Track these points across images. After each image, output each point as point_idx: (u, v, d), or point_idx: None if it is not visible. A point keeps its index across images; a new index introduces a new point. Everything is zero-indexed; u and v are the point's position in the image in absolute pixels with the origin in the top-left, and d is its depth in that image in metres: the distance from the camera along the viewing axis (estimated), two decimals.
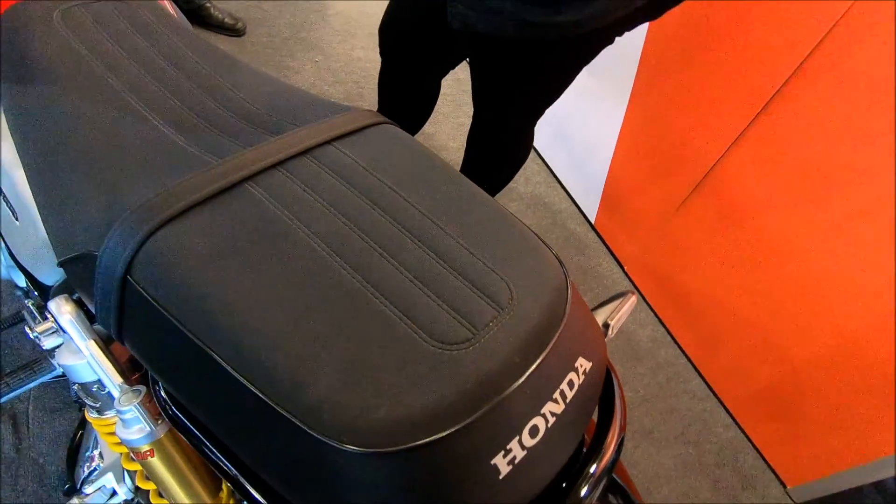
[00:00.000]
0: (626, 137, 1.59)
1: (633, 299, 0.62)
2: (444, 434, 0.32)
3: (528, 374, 0.35)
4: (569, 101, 1.75)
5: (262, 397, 0.32)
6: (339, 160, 0.46)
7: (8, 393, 0.75)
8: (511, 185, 1.77)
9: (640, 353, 1.52)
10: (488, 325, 0.37)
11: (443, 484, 0.33)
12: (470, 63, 1.11)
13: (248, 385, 0.33)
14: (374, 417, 0.32)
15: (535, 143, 1.93)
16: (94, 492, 0.63)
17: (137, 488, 0.63)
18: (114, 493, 0.65)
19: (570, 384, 0.38)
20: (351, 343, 0.34)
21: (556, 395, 0.37)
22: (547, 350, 0.37)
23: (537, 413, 0.36)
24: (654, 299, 1.62)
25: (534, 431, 0.36)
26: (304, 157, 0.46)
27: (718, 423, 1.45)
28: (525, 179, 1.83)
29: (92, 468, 0.69)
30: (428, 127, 1.84)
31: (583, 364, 0.40)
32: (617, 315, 0.58)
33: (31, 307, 0.75)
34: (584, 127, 1.73)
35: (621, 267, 1.68)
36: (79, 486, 0.68)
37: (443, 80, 1.32)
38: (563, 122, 1.80)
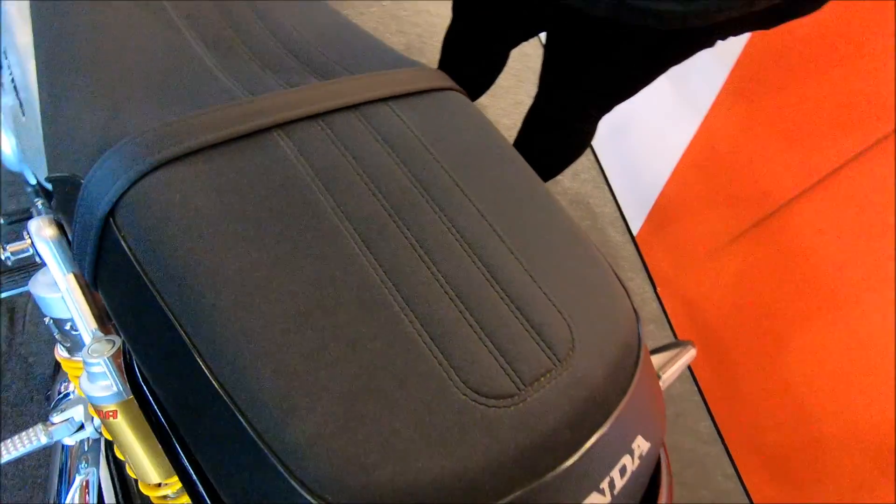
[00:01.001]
0: (692, 153, 1.46)
1: (692, 353, 0.53)
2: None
3: (578, 455, 0.28)
4: (639, 101, 1.63)
5: (237, 415, 0.25)
6: (392, 125, 0.38)
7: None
8: (558, 176, 1.68)
9: None
10: (539, 380, 0.29)
11: None
12: (548, 37, 1.00)
13: (223, 395, 0.26)
14: (371, 478, 0.24)
15: None
16: (62, 422, 0.59)
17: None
18: (81, 427, 0.60)
19: (623, 470, 0.31)
20: (362, 369, 0.27)
21: (605, 483, 0.29)
22: (607, 426, 0.29)
23: (598, 491, 0.29)
24: (682, 329, 1.53)
25: None
26: (352, 112, 0.38)
27: (719, 471, 1.38)
28: (573, 174, 1.72)
29: (65, 393, 0.65)
30: (484, 98, 1.74)
31: (640, 446, 0.32)
32: (671, 368, 0.50)
33: (41, 207, 0.70)
34: (649, 132, 1.61)
35: (654, 287, 1.58)
36: (51, 407, 0.64)
37: (510, 57, 1.21)
38: (627, 122, 1.67)
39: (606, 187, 1.75)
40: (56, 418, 0.59)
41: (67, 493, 0.60)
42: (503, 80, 1.77)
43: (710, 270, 1.43)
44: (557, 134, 1.14)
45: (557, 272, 0.34)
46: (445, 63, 1.26)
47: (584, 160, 1.78)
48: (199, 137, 0.32)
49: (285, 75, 0.41)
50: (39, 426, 0.60)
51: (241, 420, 0.25)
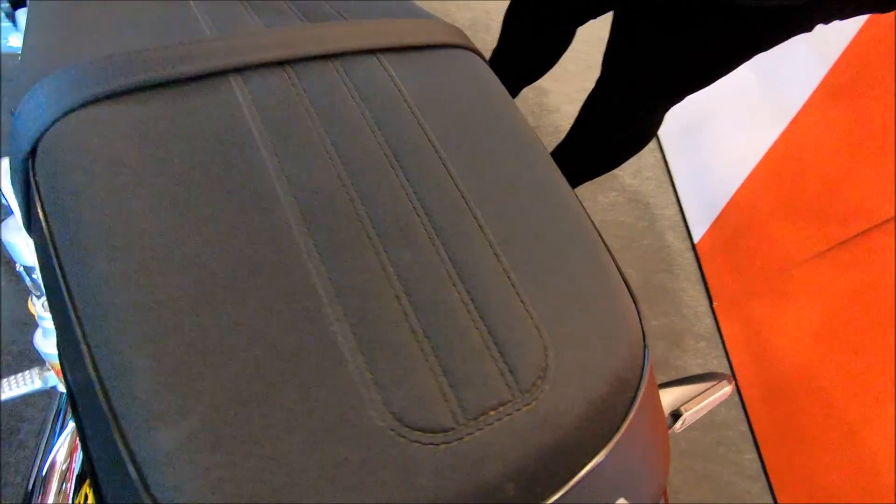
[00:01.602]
0: (773, 159, 1.31)
1: (726, 390, 0.45)
2: None
3: None
4: (718, 94, 1.48)
5: (105, 409, 0.21)
6: (377, 80, 0.33)
7: None
8: (617, 171, 1.56)
9: None
10: (488, 413, 0.23)
11: None
12: (615, 14, 0.90)
13: (97, 383, 0.22)
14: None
15: (661, 133, 1.68)
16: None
17: None
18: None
19: None
20: (259, 372, 0.21)
21: None
22: (569, 485, 0.23)
23: None
24: (736, 352, 1.39)
25: None
26: (331, 62, 0.32)
27: None
28: (635, 170, 1.60)
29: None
30: (548, 82, 1.64)
31: None
32: (697, 406, 0.42)
33: None
34: (725, 131, 1.46)
35: (710, 301, 1.45)
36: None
37: (581, 40, 1.12)
38: (701, 118, 1.53)
39: (670, 188, 1.61)
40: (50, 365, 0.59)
41: (58, 439, 0.60)
42: (571, 64, 1.65)
43: (778, 290, 1.28)
44: (617, 123, 1.04)
45: (546, 277, 0.27)
46: (505, 38, 1.18)
47: (650, 157, 1.65)
48: (138, 75, 0.28)
49: (267, 14, 0.36)
50: (35, 370, 0.60)
51: (109, 415, 0.21)
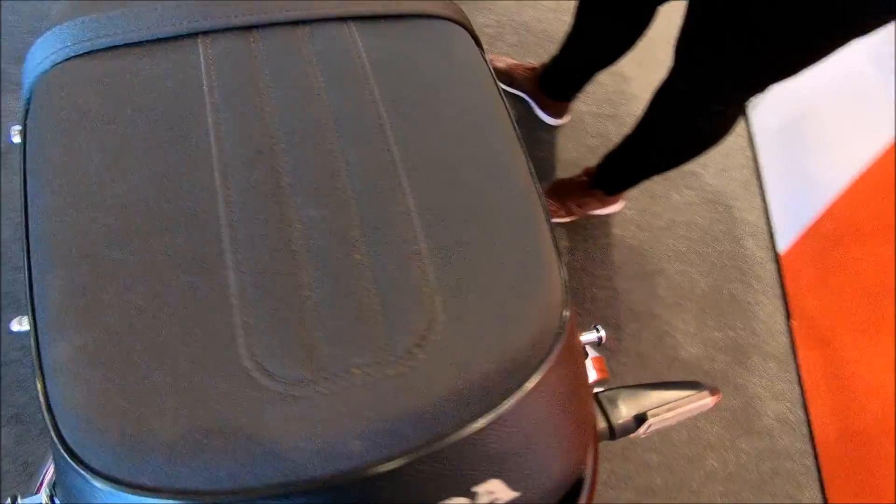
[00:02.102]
0: (881, 168, 1.15)
1: (707, 402, 0.41)
2: (170, 498, 0.21)
3: (350, 477, 0.22)
4: (826, 88, 1.31)
5: (30, 318, 0.24)
6: (342, 47, 0.33)
7: None
8: (698, 167, 1.45)
9: (754, 427, 1.21)
10: (350, 372, 0.23)
11: None
12: None
13: (28, 295, 0.25)
14: (106, 423, 0.22)
15: (755, 129, 1.53)
16: None
17: None
18: None
19: None
20: (150, 305, 0.23)
21: None
22: (422, 452, 0.23)
23: None
24: (812, 380, 1.25)
25: None
26: (299, 27, 0.33)
27: None
28: (719, 168, 1.47)
29: None
30: (631, 68, 1.55)
31: (494, 492, 0.25)
32: (668, 412, 0.39)
33: None
34: (830, 131, 1.30)
35: (787, 319, 1.32)
36: None
37: (675, 24, 1.04)
38: (805, 113, 1.37)
39: (758, 191, 1.47)
40: None
41: None
42: (659, 50, 1.55)
43: (870, 319, 1.13)
44: (687, 116, 0.96)
45: (461, 249, 0.27)
46: (579, 19, 1.13)
47: (739, 156, 1.51)
48: (111, 36, 0.31)
49: None
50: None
51: (31, 325, 0.24)
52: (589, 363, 0.53)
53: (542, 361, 0.26)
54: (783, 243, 1.37)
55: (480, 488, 0.25)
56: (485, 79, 0.36)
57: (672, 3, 0.96)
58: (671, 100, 0.98)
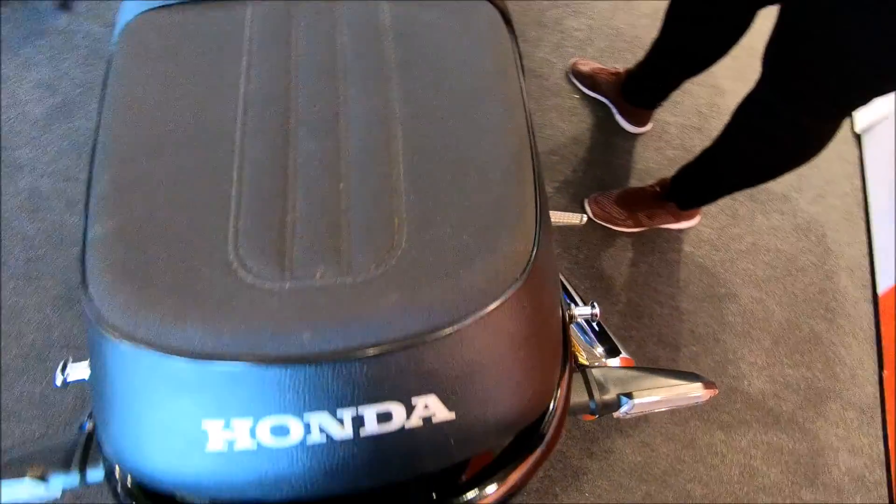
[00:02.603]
0: None
1: (701, 394, 0.40)
2: (157, 350, 0.26)
3: (298, 362, 0.26)
4: None
5: (84, 206, 0.31)
6: (370, 17, 0.38)
7: None
8: (792, 191, 1.34)
9: (820, 479, 1.10)
10: (313, 276, 0.28)
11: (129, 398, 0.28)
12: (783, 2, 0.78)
13: (85, 191, 0.31)
14: (118, 290, 0.27)
15: (867, 156, 1.38)
16: None
17: None
18: None
19: (385, 416, 0.27)
20: (168, 203, 0.30)
21: (346, 413, 0.27)
22: (365, 353, 0.26)
23: (294, 414, 0.26)
24: None
25: (279, 431, 0.27)
26: (337, 2, 0.38)
27: None
28: (816, 195, 1.35)
29: None
30: (725, 80, 1.46)
31: (431, 407, 0.28)
32: (654, 396, 0.39)
33: None
34: None
35: (879, 367, 1.18)
36: None
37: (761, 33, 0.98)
38: None
39: (863, 223, 1.33)
40: None
41: None
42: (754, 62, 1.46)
43: None
44: (773, 128, 0.90)
45: (437, 191, 0.31)
46: (669, 22, 1.09)
47: (845, 183, 1.37)
48: None
49: None
50: None
51: (84, 213, 0.31)
52: (616, 362, 0.53)
53: (492, 301, 0.27)
54: (885, 284, 1.23)
55: (417, 400, 0.27)
56: (503, 54, 0.38)
57: (774, 10, 0.90)
58: (756, 110, 0.92)
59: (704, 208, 1.28)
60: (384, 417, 0.27)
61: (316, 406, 0.26)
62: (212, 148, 0.32)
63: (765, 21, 0.98)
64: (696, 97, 1.44)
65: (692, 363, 1.13)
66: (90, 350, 0.30)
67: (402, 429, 0.28)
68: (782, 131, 0.89)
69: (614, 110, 1.36)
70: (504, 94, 0.35)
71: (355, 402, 0.27)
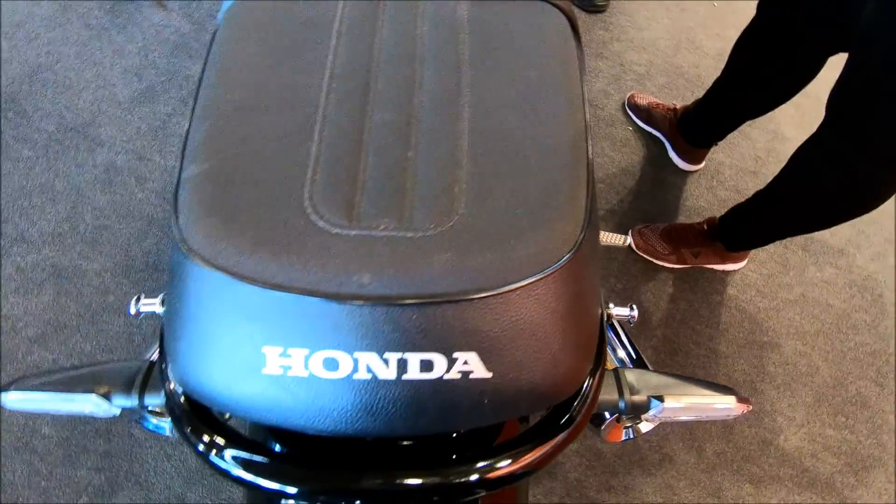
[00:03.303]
0: None
1: (734, 407, 0.40)
2: (232, 276, 0.29)
3: (355, 300, 0.28)
4: None
5: (181, 152, 0.35)
6: (447, 13, 0.42)
7: None
8: (850, 246, 1.29)
9: None
10: (377, 227, 0.31)
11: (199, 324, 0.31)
12: (853, 46, 0.77)
13: (184, 135, 0.36)
14: (201, 221, 0.31)
15: None
16: None
17: None
18: None
19: (427, 365, 0.29)
20: (256, 153, 0.33)
21: (392, 357, 0.29)
22: (414, 300, 0.29)
23: (345, 350, 0.29)
24: None
25: (330, 364, 0.29)
26: (421, 2, 0.41)
27: None
28: (875, 252, 1.29)
29: None
30: (788, 127, 1.44)
31: (470, 363, 0.30)
32: (688, 403, 0.39)
33: None
34: None
35: None
36: None
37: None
38: None
39: None
40: None
41: None
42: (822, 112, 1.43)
43: None
44: (833, 173, 0.88)
45: (496, 169, 0.34)
46: (733, 62, 1.09)
47: None
48: None
49: None
50: None
51: (180, 158, 0.35)
52: None
53: (538, 272, 0.30)
54: None
55: (458, 354, 0.29)
56: (569, 57, 0.40)
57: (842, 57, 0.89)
58: (817, 154, 0.90)
59: (753, 253, 1.24)
60: (426, 366, 0.29)
61: (366, 346, 0.29)
62: (297, 110, 0.35)
63: (828, 70, 0.96)
64: (754, 141, 1.42)
65: None
66: (172, 275, 0.33)
67: (441, 379, 0.29)
68: (843, 178, 0.87)
69: (668, 146, 1.36)
70: (566, 92, 0.38)
71: (401, 347, 0.29)
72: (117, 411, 0.40)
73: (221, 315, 0.30)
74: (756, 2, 1.00)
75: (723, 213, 1.15)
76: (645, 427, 0.53)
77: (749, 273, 1.24)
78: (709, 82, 1.20)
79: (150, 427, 0.50)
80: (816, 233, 1.28)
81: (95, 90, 1.32)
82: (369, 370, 0.29)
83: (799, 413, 1.11)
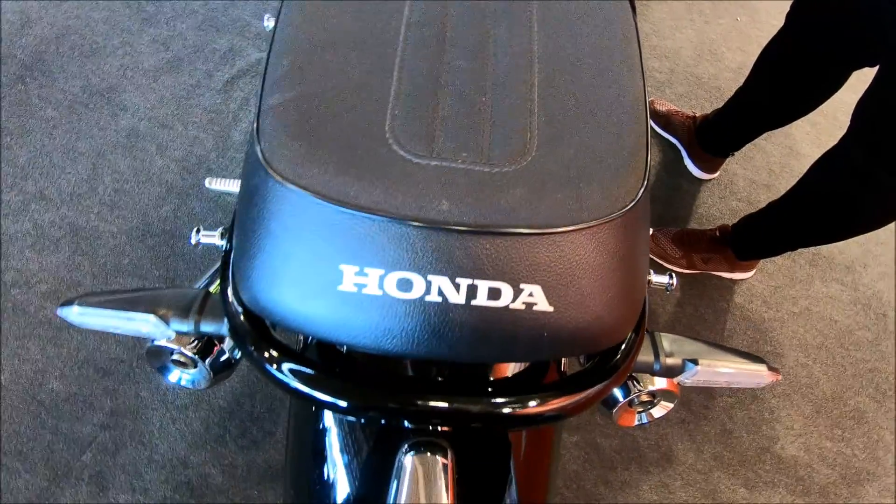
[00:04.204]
0: None
1: (765, 376, 0.42)
2: (316, 196, 0.31)
3: (433, 225, 0.30)
4: None
5: (261, 83, 0.37)
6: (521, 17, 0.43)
7: None
8: (857, 264, 1.31)
9: None
10: (456, 157, 0.32)
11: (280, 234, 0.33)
12: (883, 58, 0.79)
13: (263, 73, 0.37)
14: (291, 145, 0.32)
15: None
16: None
17: None
18: None
19: (495, 294, 0.31)
20: (336, 88, 0.34)
21: (463, 282, 0.30)
22: (486, 227, 0.30)
23: (419, 272, 0.30)
24: None
25: (404, 285, 0.31)
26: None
27: None
28: (883, 272, 1.31)
29: None
30: (804, 144, 1.45)
31: (535, 296, 0.31)
32: (721, 369, 0.40)
33: None
34: None
35: None
36: None
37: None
38: None
39: None
40: None
41: None
42: (839, 131, 1.45)
43: None
44: (853, 184, 0.89)
45: (566, 118, 0.35)
46: (756, 71, 1.10)
47: None
48: None
49: None
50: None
51: (260, 88, 0.37)
52: (663, 381, 0.54)
53: (604, 215, 0.32)
54: None
55: (524, 286, 0.31)
56: (630, 33, 0.42)
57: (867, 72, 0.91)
58: (837, 165, 0.91)
59: (762, 264, 1.26)
60: (494, 294, 0.30)
61: (439, 270, 0.30)
62: (377, 51, 0.37)
63: (844, 90, 0.98)
64: (769, 154, 1.44)
65: (725, 415, 1.11)
66: (248, 200, 0.34)
67: (507, 308, 0.31)
68: (865, 189, 0.88)
69: (684, 153, 1.37)
70: (629, 60, 0.40)
71: (472, 273, 0.30)
72: (173, 334, 0.41)
73: (302, 234, 0.31)
74: (782, 14, 1.01)
75: (735, 222, 1.16)
76: (658, 412, 0.54)
77: (756, 283, 1.26)
78: (728, 94, 1.21)
79: (170, 379, 0.51)
80: (824, 248, 1.30)
81: (122, 56, 1.33)
82: (440, 293, 0.30)
83: (797, 423, 1.12)
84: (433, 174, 0.32)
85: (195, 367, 0.49)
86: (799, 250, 1.22)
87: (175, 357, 0.48)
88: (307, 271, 0.31)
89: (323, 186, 0.31)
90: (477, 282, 0.30)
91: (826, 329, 1.23)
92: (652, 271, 0.50)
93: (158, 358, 0.50)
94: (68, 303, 0.40)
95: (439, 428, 0.40)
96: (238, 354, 0.50)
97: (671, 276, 0.49)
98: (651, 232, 1.23)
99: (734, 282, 1.25)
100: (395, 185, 0.31)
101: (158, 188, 1.18)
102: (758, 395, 1.14)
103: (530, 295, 0.31)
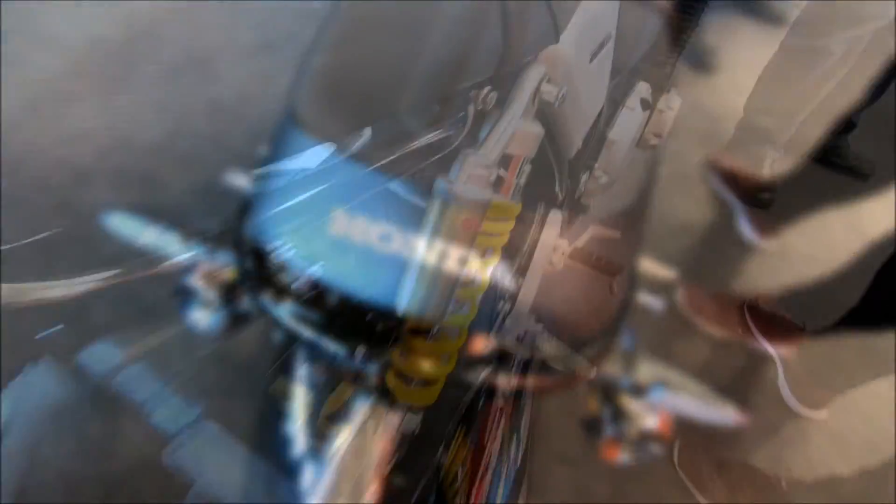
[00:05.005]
0: None
1: (730, 415, 0.41)
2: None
3: None
4: None
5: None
6: None
7: None
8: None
9: None
10: None
11: None
12: None
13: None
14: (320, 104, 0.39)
15: None
16: None
17: None
18: None
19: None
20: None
21: None
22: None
23: None
24: None
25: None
26: None
27: None
28: None
29: None
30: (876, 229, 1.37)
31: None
32: (687, 395, 0.40)
33: None
34: None
35: None
36: None
37: None
38: None
39: None
40: None
41: None
42: None
43: None
44: None
45: None
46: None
47: None
48: None
49: None
50: None
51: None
52: (654, 421, 0.54)
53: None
54: None
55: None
56: None
57: None
58: None
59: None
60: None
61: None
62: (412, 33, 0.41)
63: None
64: (832, 232, 1.37)
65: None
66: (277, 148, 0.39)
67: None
68: None
69: (742, 215, 1.33)
70: None
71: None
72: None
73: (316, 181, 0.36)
74: None
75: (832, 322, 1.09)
76: (644, 456, 0.54)
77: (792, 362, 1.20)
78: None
79: (191, 317, 0.57)
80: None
81: (224, 31, 1.45)
82: None
83: None
84: None
85: (216, 310, 0.54)
86: None
87: (201, 297, 0.53)
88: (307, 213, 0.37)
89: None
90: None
91: (861, 427, 1.15)
92: (644, 291, 0.50)
93: (185, 296, 0.55)
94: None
95: None
96: (254, 307, 0.55)
97: (661, 302, 0.49)
98: (689, 285, 1.19)
99: (777, 362, 1.19)
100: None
101: (229, 156, 1.27)
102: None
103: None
